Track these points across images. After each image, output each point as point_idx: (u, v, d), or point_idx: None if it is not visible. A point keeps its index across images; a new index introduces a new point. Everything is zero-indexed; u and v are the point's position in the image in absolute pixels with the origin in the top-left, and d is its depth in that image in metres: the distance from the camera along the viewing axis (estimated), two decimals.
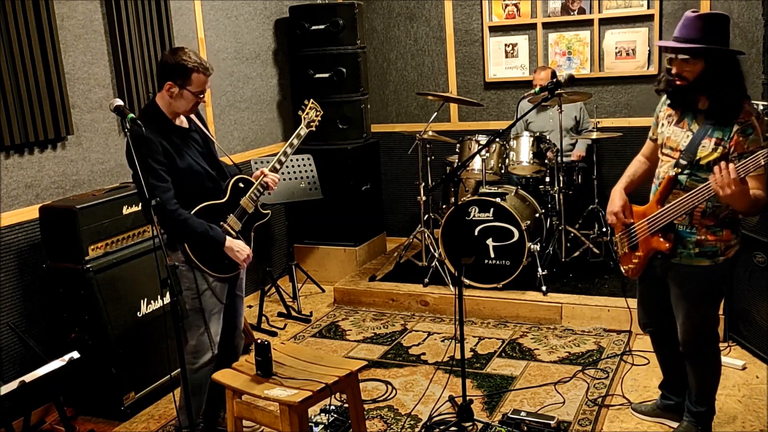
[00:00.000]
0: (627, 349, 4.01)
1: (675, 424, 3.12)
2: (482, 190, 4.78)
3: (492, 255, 4.64)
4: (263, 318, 4.80)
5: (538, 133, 4.86)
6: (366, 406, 3.43)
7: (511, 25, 5.63)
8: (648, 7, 5.21)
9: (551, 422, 3.15)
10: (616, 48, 5.35)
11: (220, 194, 3.08)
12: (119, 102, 2.66)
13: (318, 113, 3.48)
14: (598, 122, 5.17)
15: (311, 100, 3.52)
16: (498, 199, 4.56)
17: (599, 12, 5.35)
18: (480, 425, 3.28)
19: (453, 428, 3.23)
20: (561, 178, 4.80)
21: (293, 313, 4.91)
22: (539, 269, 4.60)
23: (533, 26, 5.56)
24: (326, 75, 5.39)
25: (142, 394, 3.66)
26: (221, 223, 3.06)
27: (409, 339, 4.40)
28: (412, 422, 3.38)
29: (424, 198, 5.16)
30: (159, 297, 3.77)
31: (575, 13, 5.42)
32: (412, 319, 4.73)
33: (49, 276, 3.57)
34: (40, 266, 3.58)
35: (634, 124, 5.31)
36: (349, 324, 4.72)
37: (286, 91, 5.68)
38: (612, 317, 4.29)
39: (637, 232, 2.89)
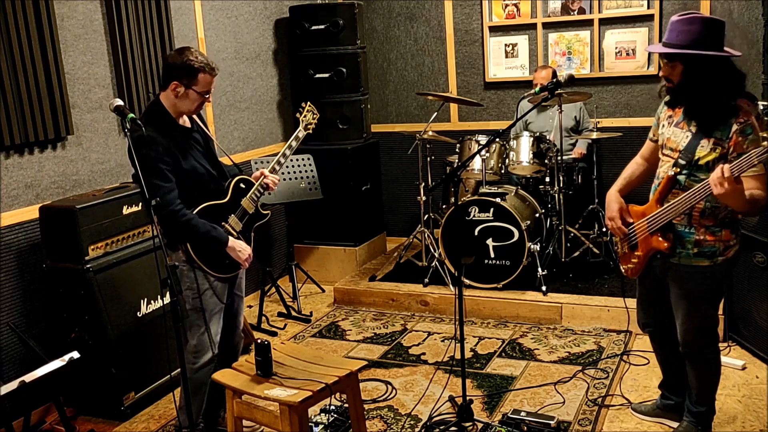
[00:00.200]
0: (627, 349, 4.01)
1: (675, 424, 3.12)
2: (482, 190, 4.78)
3: (492, 255, 4.64)
4: (263, 318, 4.81)
5: (538, 133, 4.86)
6: (366, 406, 3.43)
7: (511, 25, 5.63)
8: (648, 7, 5.21)
9: (551, 422, 3.15)
10: (616, 48, 5.35)
11: (221, 195, 3.09)
12: (119, 102, 2.66)
13: (315, 116, 3.51)
14: (598, 122, 5.17)
15: (308, 103, 3.55)
16: (498, 199, 4.56)
17: (599, 12, 5.35)
18: (480, 425, 3.28)
19: (453, 428, 3.23)
20: (561, 178, 4.80)
21: (293, 313, 4.92)
22: (539, 269, 4.60)
23: (533, 26, 5.56)
24: (326, 75, 5.39)
25: (142, 394, 3.66)
26: (222, 223, 3.06)
27: (409, 339, 4.40)
28: (412, 422, 3.38)
29: (424, 198, 5.16)
30: (159, 297, 3.77)
31: (575, 13, 5.42)
32: (412, 319, 4.74)
33: (49, 276, 3.57)
34: (40, 266, 3.58)
35: (634, 124, 5.31)
36: (349, 324, 4.72)
37: (286, 91, 5.68)
38: (612, 317, 4.29)
39: (636, 231, 2.90)
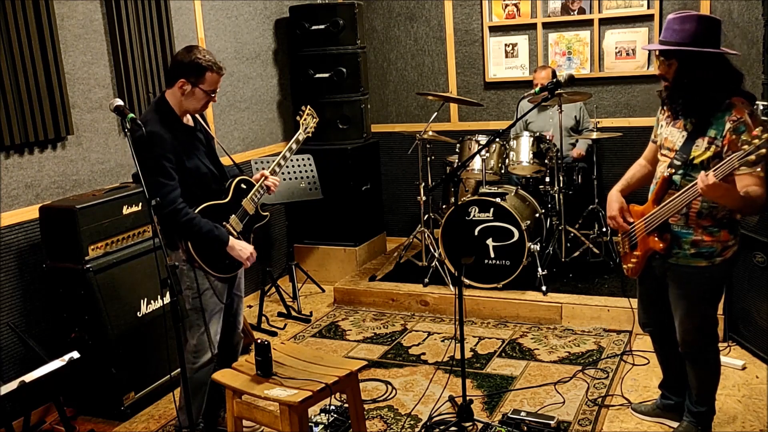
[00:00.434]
0: (627, 349, 4.01)
1: (675, 424, 3.12)
2: (482, 190, 4.78)
3: (492, 255, 4.64)
4: (263, 318, 4.81)
5: (538, 133, 4.86)
6: (366, 406, 3.43)
7: (511, 25, 5.63)
8: (648, 7, 5.21)
9: (551, 422, 3.15)
10: (616, 48, 5.35)
11: (222, 194, 3.09)
12: (119, 102, 2.66)
13: (315, 119, 3.52)
14: (598, 122, 5.17)
15: (308, 106, 3.56)
16: (498, 199, 4.56)
17: (599, 12, 5.35)
18: (480, 425, 3.28)
19: (453, 428, 3.23)
20: (561, 178, 4.80)
21: (293, 313, 4.92)
22: (539, 269, 4.60)
23: (533, 26, 5.56)
24: (326, 75, 5.39)
25: (142, 394, 3.66)
26: (223, 223, 3.06)
27: (409, 339, 4.40)
28: (412, 422, 3.38)
29: (424, 198, 5.16)
30: (159, 297, 3.77)
31: (575, 13, 5.42)
32: (412, 319, 4.74)
33: (49, 276, 3.57)
34: (40, 266, 3.58)
35: (634, 124, 5.31)
36: (349, 324, 4.72)
37: (286, 91, 5.68)
38: (612, 317, 4.29)
39: (635, 231, 2.90)
